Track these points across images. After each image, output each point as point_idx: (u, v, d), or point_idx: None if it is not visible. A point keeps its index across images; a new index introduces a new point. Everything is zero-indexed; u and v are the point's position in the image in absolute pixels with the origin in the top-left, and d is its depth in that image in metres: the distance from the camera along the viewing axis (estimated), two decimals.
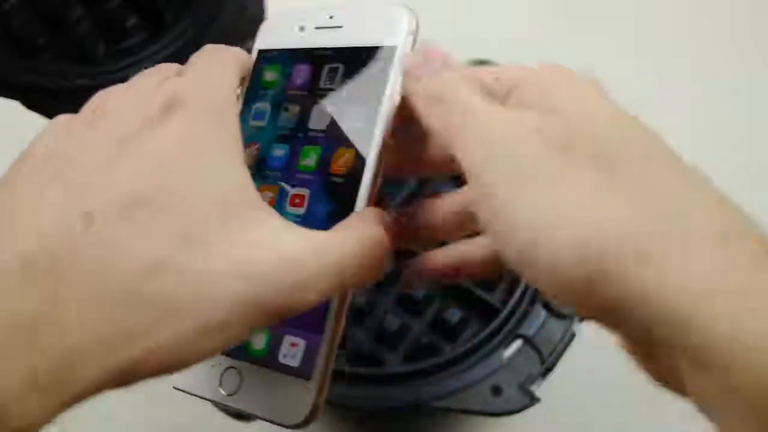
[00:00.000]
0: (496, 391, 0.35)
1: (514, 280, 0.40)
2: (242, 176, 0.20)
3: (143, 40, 0.39)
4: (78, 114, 0.22)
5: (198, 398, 0.25)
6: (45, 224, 0.18)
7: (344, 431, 0.45)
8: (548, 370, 0.36)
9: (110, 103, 0.21)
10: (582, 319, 0.38)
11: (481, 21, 0.62)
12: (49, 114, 0.36)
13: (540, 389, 0.36)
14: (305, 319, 0.24)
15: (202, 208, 0.19)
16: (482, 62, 0.45)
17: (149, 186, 0.19)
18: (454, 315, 0.39)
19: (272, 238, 0.20)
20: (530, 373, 0.36)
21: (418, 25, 0.25)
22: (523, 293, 0.38)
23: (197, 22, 0.41)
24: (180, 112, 0.20)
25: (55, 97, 0.36)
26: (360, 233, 0.21)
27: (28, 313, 0.17)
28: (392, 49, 0.25)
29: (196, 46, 0.40)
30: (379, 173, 0.24)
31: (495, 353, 0.36)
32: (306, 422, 0.23)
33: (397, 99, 0.24)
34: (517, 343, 0.37)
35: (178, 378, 0.25)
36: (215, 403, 0.25)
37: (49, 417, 0.17)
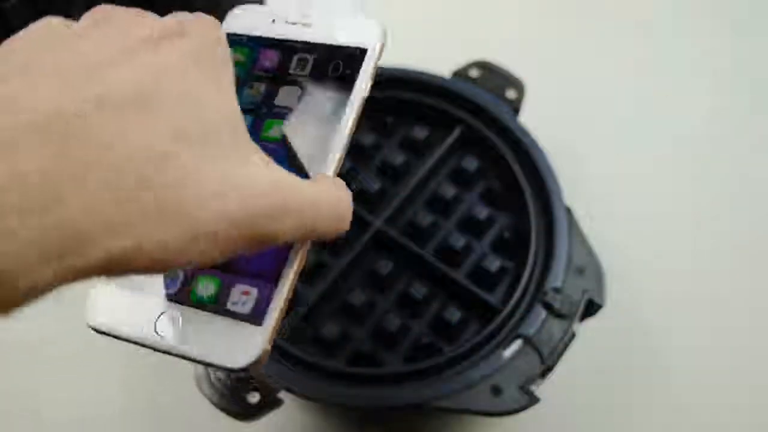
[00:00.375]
0: (496, 391, 0.35)
1: (514, 280, 0.40)
2: (238, 109, 0.22)
3: None
4: (80, 20, 0.22)
5: (123, 341, 0.25)
6: (59, 98, 0.18)
7: (344, 431, 0.45)
8: (548, 370, 0.36)
9: (116, 17, 0.22)
10: (582, 319, 0.38)
11: (480, 21, 0.61)
12: None
13: (540, 389, 0.36)
14: (260, 268, 0.25)
15: (208, 119, 0.20)
16: (482, 62, 0.45)
17: (158, 88, 0.20)
18: (454, 315, 0.39)
19: (264, 168, 0.21)
20: (530, 373, 0.36)
21: (386, 35, 0.29)
22: (523, 293, 0.38)
23: None
24: (186, 39, 0.22)
25: None
26: (334, 189, 0.24)
27: (42, 172, 0.17)
28: (363, 51, 0.28)
29: None
30: (345, 152, 0.27)
31: (495, 353, 0.36)
32: (252, 366, 0.24)
33: (365, 93, 0.28)
34: (517, 343, 0.37)
35: (101, 317, 0.26)
36: (147, 346, 0.25)
37: (49, 288, 0.17)
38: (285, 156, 0.27)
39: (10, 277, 0.16)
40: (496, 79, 0.45)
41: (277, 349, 0.36)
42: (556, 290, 0.38)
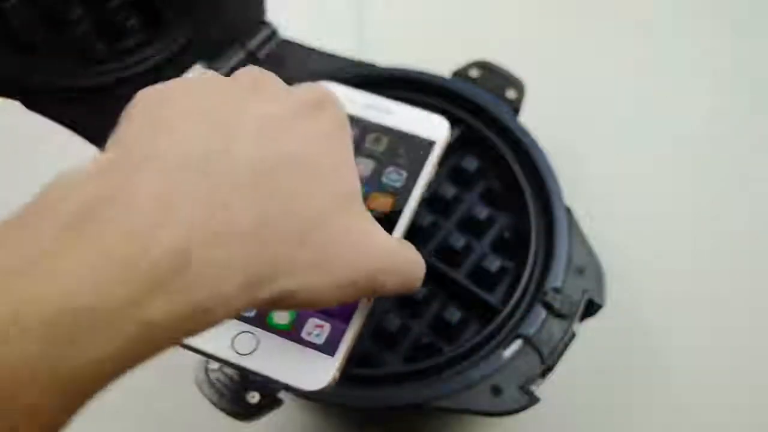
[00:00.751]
0: (496, 391, 0.35)
1: (514, 280, 0.40)
2: (358, 178, 0.25)
3: (143, 40, 0.39)
4: (233, 79, 0.25)
5: (205, 357, 0.28)
6: (255, 153, 0.22)
7: (344, 431, 0.45)
8: (548, 370, 0.36)
9: (270, 82, 0.25)
10: (582, 319, 0.38)
11: (480, 21, 0.62)
12: (49, 114, 0.36)
13: (540, 389, 0.36)
14: (335, 309, 0.28)
15: (350, 183, 0.24)
16: (482, 62, 0.45)
17: (318, 152, 0.23)
18: (454, 315, 0.39)
19: (381, 231, 0.25)
20: (530, 373, 0.36)
21: (450, 131, 0.34)
22: (523, 293, 0.38)
23: (197, 22, 0.41)
24: (326, 114, 0.25)
25: (55, 97, 0.36)
26: (415, 253, 0.27)
27: (253, 224, 0.20)
28: (432, 143, 0.34)
29: (197, 46, 0.40)
30: (410, 223, 0.31)
31: (495, 353, 0.36)
32: (324, 390, 0.27)
33: (431, 177, 0.33)
34: (517, 343, 0.37)
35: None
36: (223, 362, 0.28)
37: (233, 316, 0.21)
38: None
39: (220, 303, 0.20)
40: (496, 79, 0.45)
41: None
42: (556, 290, 0.38)
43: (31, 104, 0.35)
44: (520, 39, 0.60)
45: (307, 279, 0.22)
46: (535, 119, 0.44)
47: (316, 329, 0.29)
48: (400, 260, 0.25)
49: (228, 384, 0.35)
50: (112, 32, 0.38)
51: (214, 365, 0.35)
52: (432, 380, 0.36)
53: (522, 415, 0.35)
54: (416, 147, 0.34)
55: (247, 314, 0.29)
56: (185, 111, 0.22)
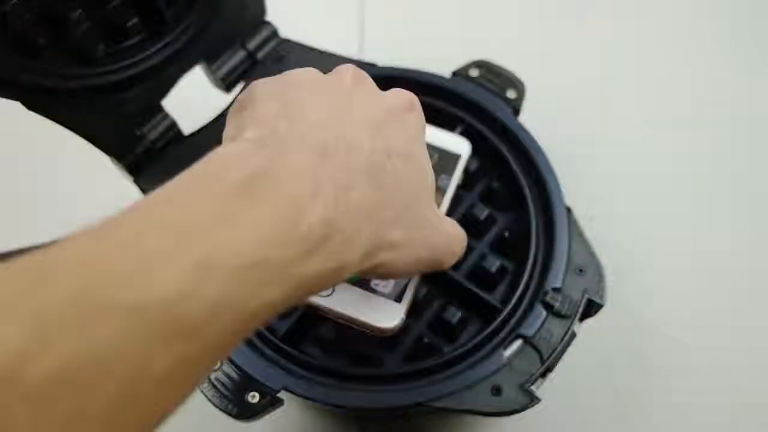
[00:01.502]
0: (496, 391, 0.35)
1: (514, 280, 0.40)
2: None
3: (143, 40, 0.39)
4: (336, 73, 0.29)
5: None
6: (370, 145, 0.26)
7: (344, 431, 0.45)
8: (548, 370, 0.36)
9: (368, 82, 0.29)
10: (582, 319, 0.38)
11: (480, 21, 0.62)
12: (49, 114, 0.36)
13: (540, 389, 0.36)
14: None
15: (430, 176, 0.29)
16: (482, 62, 0.45)
17: (410, 149, 0.28)
18: (454, 315, 0.39)
19: (447, 218, 0.32)
20: (530, 373, 0.36)
21: (470, 147, 0.42)
22: (523, 293, 0.38)
23: (197, 22, 0.41)
24: (413, 116, 0.29)
25: (55, 97, 0.36)
26: (462, 231, 0.33)
27: (369, 203, 0.25)
28: (458, 156, 0.41)
29: (197, 46, 0.40)
30: None
31: (495, 353, 0.36)
32: (394, 329, 0.34)
33: (459, 182, 0.41)
34: (517, 343, 0.37)
35: None
36: (315, 307, 0.34)
37: (347, 277, 0.25)
38: None
39: (347, 267, 0.24)
40: (496, 79, 0.45)
41: (277, 349, 0.36)
42: (556, 290, 0.38)
43: (31, 104, 0.35)
44: (520, 39, 0.60)
45: (396, 254, 0.27)
46: (535, 119, 0.44)
47: (383, 282, 0.35)
48: (457, 243, 0.31)
49: (228, 384, 0.35)
50: (112, 32, 0.38)
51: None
52: (432, 380, 0.36)
53: (522, 415, 0.35)
54: (446, 157, 0.41)
55: None
56: (308, 98, 0.26)
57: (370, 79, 0.29)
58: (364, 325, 0.34)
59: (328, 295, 0.34)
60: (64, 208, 0.47)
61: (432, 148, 0.40)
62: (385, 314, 0.34)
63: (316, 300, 0.34)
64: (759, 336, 0.47)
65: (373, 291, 0.35)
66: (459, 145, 0.41)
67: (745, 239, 0.51)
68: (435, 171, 0.37)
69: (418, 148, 0.29)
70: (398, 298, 0.35)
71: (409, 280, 0.35)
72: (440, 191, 0.39)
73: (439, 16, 0.62)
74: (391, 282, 0.35)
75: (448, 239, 0.30)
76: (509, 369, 0.36)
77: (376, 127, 0.26)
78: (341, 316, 0.34)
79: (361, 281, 0.35)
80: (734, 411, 0.45)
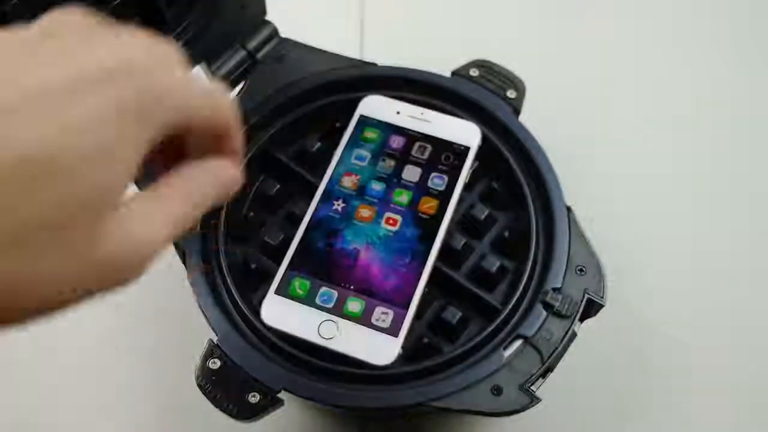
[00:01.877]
0: (496, 391, 0.35)
1: (514, 280, 0.40)
2: (125, 180, 0.19)
3: None
4: (24, 29, 0.20)
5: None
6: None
7: (344, 431, 0.45)
8: (548, 370, 0.36)
9: (64, 36, 0.20)
10: (582, 319, 0.38)
11: (480, 21, 0.62)
12: None
13: (540, 389, 0.36)
14: (396, 298, 0.37)
15: (111, 181, 0.19)
16: (482, 62, 0.45)
17: (59, 153, 0.18)
18: (454, 315, 0.39)
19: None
20: (530, 373, 0.36)
21: (481, 136, 0.41)
22: (523, 293, 0.38)
23: (197, 21, 0.41)
24: (133, 79, 0.19)
25: None
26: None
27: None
28: (467, 148, 0.41)
29: (197, 46, 0.40)
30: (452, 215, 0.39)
31: (495, 353, 0.36)
32: (392, 364, 0.35)
33: (467, 178, 0.41)
34: (518, 343, 0.37)
35: (280, 322, 0.36)
36: (311, 344, 0.35)
37: None
38: (411, 216, 0.39)
39: None
40: (496, 79, 0.44)
41: (277, 350, 0.36)
42: (556, 290, 0.38)
43: None
44: (520, 39, 0.60)
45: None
46: (535, 119, 0.44)
47: (383, 315, 0.36)
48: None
49: (228, 384, 0.35)
50: None
51: (215, 365, 0.35)
52: (432, 380, 0.36)
53: (522, 415, 0.35)
54: (454, 153, 0.41)
55: (327, 305, 0.36)
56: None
57: (76, 27, 0.20)
58: (362, 362, 0.35)
59: (331, 338, 0.35)
60: None
61: (428, 140, 0.40)
62: (380, 350, 0.35)
63: (320, 344, 0.35)
64: (759, 336, 0.47)
65: (373, 326, 0.36)
66: (466, 134, 0.41)
67: (745, 239, 0.51)
68: (429, 168, 0.36)
69: (101, 138, 0.18)
70: (395, 333, 0.36)
71: (405, 314, 0.36)
72: (433, 196, 0.40)
73: (439, 16, 0.62)
74: (390, 316, 0.36)
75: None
76: (509, 369, 0.36)
77: (39, 113, 0.17)
78: (338, 353, 0.35)
79: (362, 317, 0.36)
80: (734, 411, 0.45)
